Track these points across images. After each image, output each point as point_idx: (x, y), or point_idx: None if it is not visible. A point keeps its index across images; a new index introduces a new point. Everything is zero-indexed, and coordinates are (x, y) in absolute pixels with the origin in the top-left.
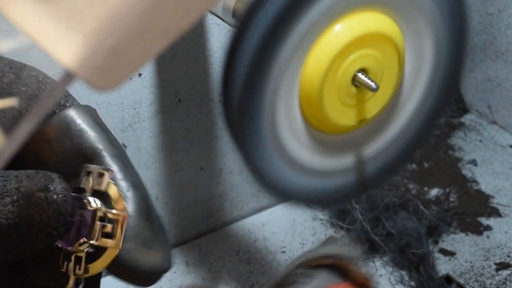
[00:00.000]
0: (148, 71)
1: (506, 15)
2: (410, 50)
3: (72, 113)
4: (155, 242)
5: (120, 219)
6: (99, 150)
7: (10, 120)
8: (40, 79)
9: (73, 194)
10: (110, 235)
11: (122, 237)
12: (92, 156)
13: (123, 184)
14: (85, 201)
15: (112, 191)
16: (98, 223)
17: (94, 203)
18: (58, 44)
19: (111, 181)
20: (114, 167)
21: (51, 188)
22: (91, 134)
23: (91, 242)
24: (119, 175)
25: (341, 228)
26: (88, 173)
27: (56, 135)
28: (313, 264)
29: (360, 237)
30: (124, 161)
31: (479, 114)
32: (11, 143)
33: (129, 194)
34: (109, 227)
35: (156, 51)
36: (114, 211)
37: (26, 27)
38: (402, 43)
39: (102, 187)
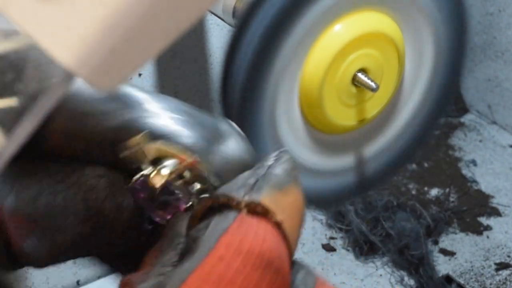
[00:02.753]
0: (148, 71)
1: (506, 15)
2: (410, 50)
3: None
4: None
5: (188, 164)
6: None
7: (10, 120)
8: (41, 78)
9: (136, 186)
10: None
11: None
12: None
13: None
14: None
15: (159, 152)
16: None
17: (158, 175)
18: (58, 44)
19: (147, 144)
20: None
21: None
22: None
23: (191, 203)
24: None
25: (340, 229)
26: (126, 149)
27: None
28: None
29: (359, 238)
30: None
31: (479, 114)
32: (11, 143)
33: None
34: (188, 176)
35: (156, 51)
36: (175, 164)
37: (26, 27)
38: (402, 43)
39: (149, 156)
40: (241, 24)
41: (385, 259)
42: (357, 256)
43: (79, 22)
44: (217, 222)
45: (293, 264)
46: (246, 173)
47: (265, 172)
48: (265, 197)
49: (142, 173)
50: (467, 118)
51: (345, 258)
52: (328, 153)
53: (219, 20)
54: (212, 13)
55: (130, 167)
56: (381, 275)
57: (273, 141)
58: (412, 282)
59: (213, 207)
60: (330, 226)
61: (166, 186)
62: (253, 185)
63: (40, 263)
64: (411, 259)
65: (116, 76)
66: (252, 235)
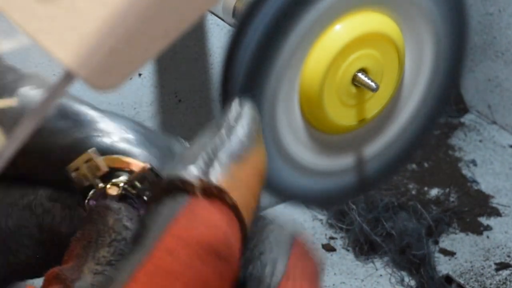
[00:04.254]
0: (148, 71)
1: (506, 15)
2: (410, 50)
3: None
4: None
5: (141, 170)
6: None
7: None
8: (41, 78)
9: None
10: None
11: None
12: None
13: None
14: (107, 200)
15: (112, 162)
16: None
17: (114, 188)
18: (58, 44)
19: (98, 158)
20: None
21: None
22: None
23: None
24: (114, 136)
25: (341, 229)
26: (77, 170)
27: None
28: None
29: (360, 238)
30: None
31: (479, 114)
32: (11, 143)
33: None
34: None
35: (156, 51)
36: (127, 174)
37: (26, 27)
38: (402, 43)
39: (103, 168)
40: (241, 24)
41: (385, 259)
42: (357, 256)
43: (79, 22)
44: (167, 207)
45: (253, 240)
46: (203, 140)
47: (223, 140)
48: (221, 176)
49: (99, 186)
50: (467, 118)
51: (345, 258)
52: (328, 153)
53: (219, 20)
54: (212, 13)
55: (81, 185)
56: (381, 275)
57: (273, 141)
58: (412, 282)
59: (168, 189)
60: (331, 226)
61: (123, 196)
62: (208, 161)
63: None
64: (413, 259)
65: (116, 76)
66: (202, 224)
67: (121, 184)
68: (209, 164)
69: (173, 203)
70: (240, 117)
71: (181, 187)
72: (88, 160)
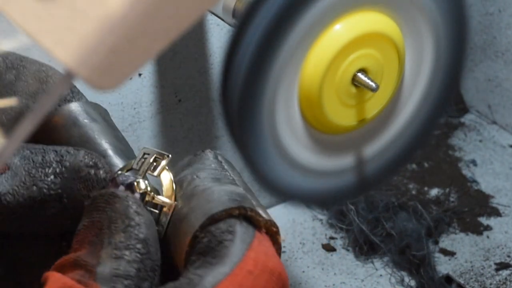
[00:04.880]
0: (148, 71)
1: (506, 15)
2: (410, 50)
3: (82, 106)
4: None
5: (167, 206)
6: (106, 143)
7: (10, 120)
8: (41, 78)
9: (126, 173)
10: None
11: (166, 225)
12: (98, 148)
13: None
14: (135, 183)
15: (165, 177)
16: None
17: (144, 185)
18: (58, 43)
19: (166, 167)
20: (118, 161)
21: (100, 165)
22: (98, 126)
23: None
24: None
25: (341, 229)
26: (145, 155)
27: (64, 123)
28: (221, 217)
29: (360, 238)
30: (130, 158)
31: (479, 114)
32: (11, 143)
33: None
34: (155, 214)
35: (156, 51)
36: (162, 198)
37: (26, 27)
38: (402, 43)
39: (156, 172)
40: (241, 24)
41: (385, 259)
42: (357, 256)
43: (79, 22)
44: (242, 234)
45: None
46: (230, 188)
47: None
48: (269, 216)
49: (135, 179)
50: (467, 118)
51: (345, 258)
52: (328, 153)
53: (219, 20)
54: (212, 13)
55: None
56: (381, 275)
57: (273, 141)
58: (412, 282)
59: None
60: (331, 225)
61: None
62: (257, 202)
63: None
64: (413, 259)
65: (116, 76)
66: (269, 253)
67: (144, 187)
68: (259, 206)
69: (245, 231)
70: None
71: (249, 217)
72: (149, 157)
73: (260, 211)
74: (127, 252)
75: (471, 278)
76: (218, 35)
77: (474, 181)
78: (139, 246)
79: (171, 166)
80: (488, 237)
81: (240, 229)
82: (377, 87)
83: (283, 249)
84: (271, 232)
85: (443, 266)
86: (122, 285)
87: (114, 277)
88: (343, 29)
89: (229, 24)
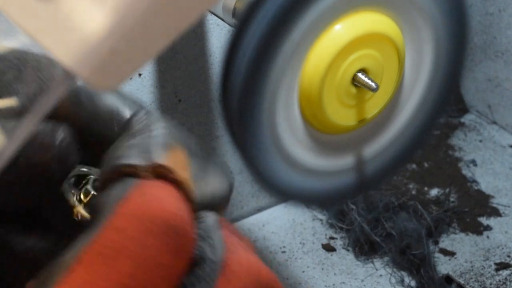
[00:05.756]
0: (148, 71)
1: (506, 15)
2: (410, 50)
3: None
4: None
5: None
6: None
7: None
8: (41, 77)
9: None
10: None
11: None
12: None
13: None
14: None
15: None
16: None
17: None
18: (58, 43)
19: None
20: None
21: (56, 134)
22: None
23: None
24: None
25: (341, 229)
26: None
27: (70, 104)
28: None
29: (360, 238)
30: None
31: (479, 114)
32: (11, 143)
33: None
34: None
35: (156, 51)
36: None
37: (26, 27)
38: (402, 43)
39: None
40: (241, 24)
41: (385, 259)
42: (357, 256)
43: (79, 22)
44: (116, 190)
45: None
46: (126, 142)
47: (147, 135)
48: (163, 158)
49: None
50: (467, 118)
51: (345, 258)
52: (328, 153)
53: (219, 20)
54: (212, 13)
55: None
56: (381, 275)
57: (272, 141)
58: (412, 282)
59: (114, 176)
60: (331, 225)
61: None
62: (146, 150)
63: None
64: (413, 259)
65: (116, 76)
66: (154, 200)
67: None
68: (147, 151)
69: (123, 185)
70: (150, 124)
71: (128, 172)
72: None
73: (137, 160)
74: None
75: (471, 278)
76: (218, 35)
77: (474, 181)
78: None
79: None
80: (488, 237)
81: (116, 187)
82: (377, 87)
83: (283, 249)
84: (159, 175)
85: (443, 266)
86: None
87: None
88: (343, 30)
89: (229, 24)
